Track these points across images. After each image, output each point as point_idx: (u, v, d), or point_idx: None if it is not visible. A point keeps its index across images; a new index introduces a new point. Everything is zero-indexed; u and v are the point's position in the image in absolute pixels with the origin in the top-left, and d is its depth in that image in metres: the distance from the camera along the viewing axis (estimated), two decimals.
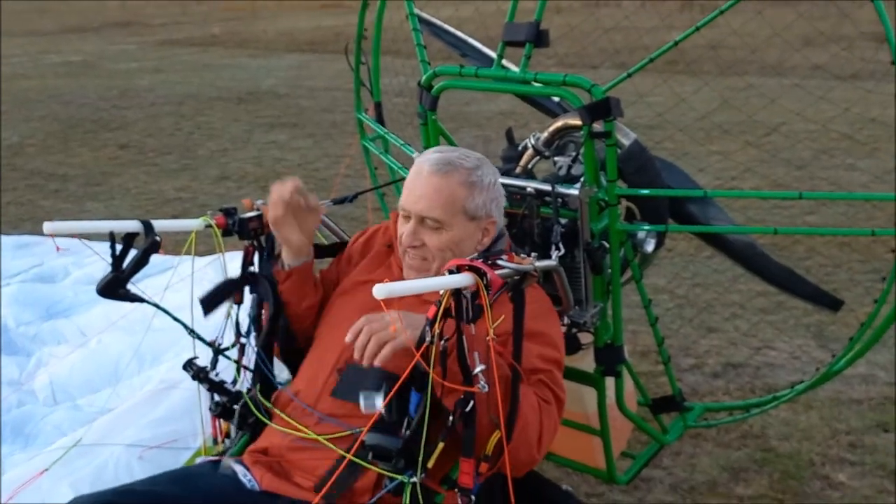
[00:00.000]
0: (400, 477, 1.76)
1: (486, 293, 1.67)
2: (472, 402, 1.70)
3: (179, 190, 7.31)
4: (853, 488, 3.16)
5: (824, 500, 3.11)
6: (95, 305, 4.20)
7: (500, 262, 1.81)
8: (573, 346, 2.39)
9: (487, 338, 1.68)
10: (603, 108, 2.18)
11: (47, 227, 2.06)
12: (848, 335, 2.58)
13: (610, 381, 2.46)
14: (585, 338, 2.42)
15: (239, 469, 2.04)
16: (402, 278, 2.12)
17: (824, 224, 5.75)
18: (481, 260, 1.74)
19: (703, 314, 4.59)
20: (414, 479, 1.75)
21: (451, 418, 1.72)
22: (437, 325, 1.66)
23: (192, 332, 2.25)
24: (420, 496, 1.75)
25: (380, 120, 3.17)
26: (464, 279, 1.68)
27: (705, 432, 3.50)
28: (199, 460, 2.16)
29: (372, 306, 1.70)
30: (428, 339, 1.66)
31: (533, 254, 1.92)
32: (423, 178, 2.06)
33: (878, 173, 6.49)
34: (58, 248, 2.32)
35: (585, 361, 2.45)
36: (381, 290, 1.59)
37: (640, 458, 2.74)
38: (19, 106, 11.43)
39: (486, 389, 1.68)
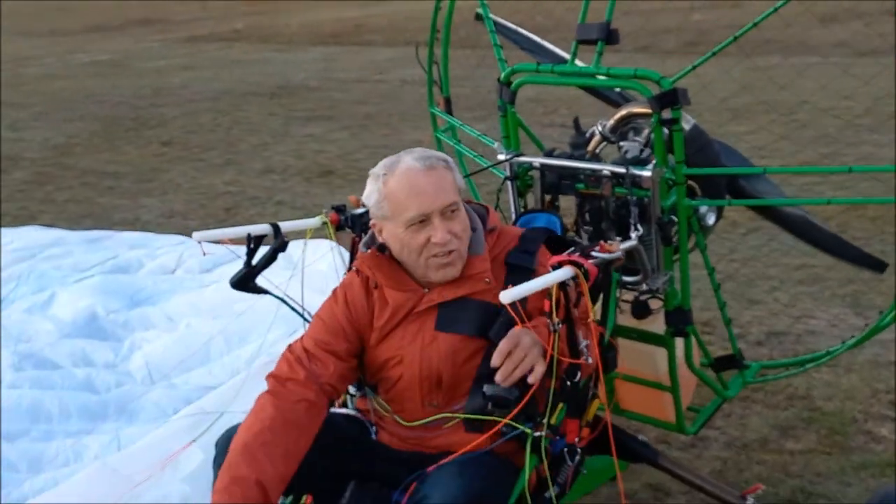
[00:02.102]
0: (536, 434, 2.01)
1: (585, 281, 1.98)
2: (579, 373, 2.02)
3: (228, 184, 7.57)
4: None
5: (869, 452, 3.33)
6: (176, 293, 4.51)
7: (593, 253, 2.12)
8: (644, 311, 2.66)
9: (589, 319, 2.00)
10: (671, 98, 2.42)
11: (196, 235, 2.43)
12: (881, 302, 2.81)
13: (678, 342, 2.70)
14: (655, 304, 2.68)
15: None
16: (421, 295, 2.20)
17: None
18: (577, 254, 2.04)
19: (743, 287, 4.79)
20: (540, 433, 2.02)
21: (567, 383, 2.02)
22: (555, 315, 1.94)
23: (305, 319, 2.53)
24: (543, 449, 2.02)
25: (449, 112, 3.42)
26: (567, 272, 1.97)
27: (753, 395, 3.73)
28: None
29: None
30: (552, 327, 1.95)
31: (617, 238, 2.19)
32: (423, 178, 2.12)
33: None
34: (204, 254, 2.67)
35: (656, 325, 2.69)
36: (506, 297, 1.87)
37: (704, 411, 2.98)
38: (57, 106, 11.72)
39: (591, 361, 2.01)
